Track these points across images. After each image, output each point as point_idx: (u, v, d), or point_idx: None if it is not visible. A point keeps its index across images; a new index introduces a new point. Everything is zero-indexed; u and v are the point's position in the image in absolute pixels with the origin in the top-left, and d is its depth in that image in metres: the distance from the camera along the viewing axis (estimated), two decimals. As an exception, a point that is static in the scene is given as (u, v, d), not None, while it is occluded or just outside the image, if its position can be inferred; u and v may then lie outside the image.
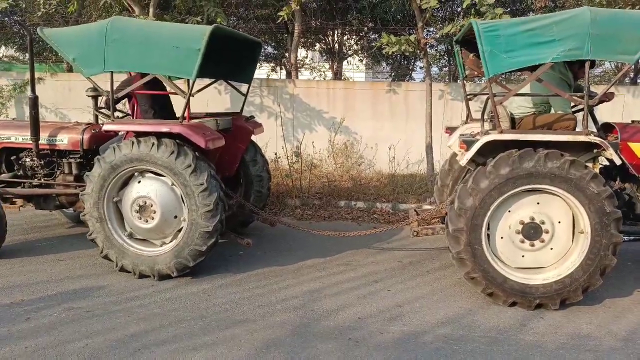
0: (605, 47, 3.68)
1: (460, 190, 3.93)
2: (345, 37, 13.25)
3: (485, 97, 4.82)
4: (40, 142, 4.96)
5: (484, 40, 3.74)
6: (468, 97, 5.20)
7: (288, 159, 7.83)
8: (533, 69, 4.03)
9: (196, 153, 4.20)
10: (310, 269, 4.74)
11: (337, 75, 13.20)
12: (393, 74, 13.96)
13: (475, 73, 5.04)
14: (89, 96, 5.19)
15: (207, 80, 5.85)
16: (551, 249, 3.91)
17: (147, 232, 4.37)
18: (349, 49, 13.63)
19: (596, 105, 3.99)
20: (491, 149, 3.87)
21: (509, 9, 11.81)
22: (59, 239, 5.51)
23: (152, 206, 4.27)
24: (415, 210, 5.17)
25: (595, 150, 3.89)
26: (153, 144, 4.15)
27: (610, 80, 12.07)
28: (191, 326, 3.53)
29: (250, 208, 5.31)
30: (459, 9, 11.46)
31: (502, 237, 3.94)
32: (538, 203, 3.87)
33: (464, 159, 3.99)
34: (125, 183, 4.40)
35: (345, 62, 14.14)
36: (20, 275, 4.39)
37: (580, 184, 3.68)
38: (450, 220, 3.94)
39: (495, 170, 3.76)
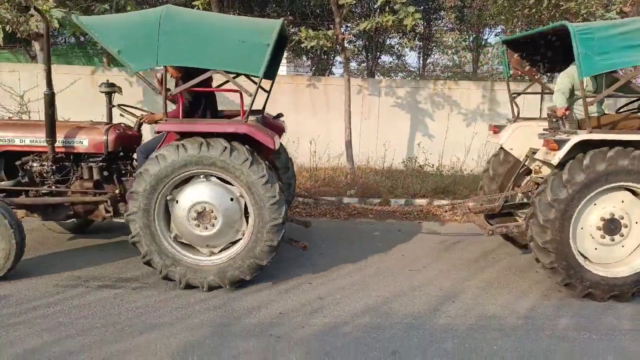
0: None
1: (553, 181, 4.00)
2: (264, 30, 13.12)
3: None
4: (55, 144, 4.41)
5: (579, 43, 3.81)
6: (513, 95, 5.33)
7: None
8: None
9: (246, 146, 3.98)
10: (231, 267, 4.64)
11: (258, 68, 13.04)
12: (314, 68, 14.06)
13: (519, 72, 5.25)
14: (102, 92, 4.73)
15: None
16: (622, 246, 4.14)
17: (206, 239, 4.07)
18: (269, 42, 13.52)
19: None
20: (570, 149, 3.98)
21: (421, 7, 12.37)
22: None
23: (212, 212, 4.00)
24: (468, 208, 5.20)
25: None
26: (201, 143, 3.87)
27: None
28: (102, 334, 3.31)
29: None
30: (375, 6, 11.79)
31: (582, 228, 4.09)
32: (623, 201, 4.08)
33: (554, 157, 4.02)
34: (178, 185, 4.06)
35: (265, 55, 14.00)
36: None
37: None
38: (536, 227, 4.02)
39: (592, 165, 3.89)
